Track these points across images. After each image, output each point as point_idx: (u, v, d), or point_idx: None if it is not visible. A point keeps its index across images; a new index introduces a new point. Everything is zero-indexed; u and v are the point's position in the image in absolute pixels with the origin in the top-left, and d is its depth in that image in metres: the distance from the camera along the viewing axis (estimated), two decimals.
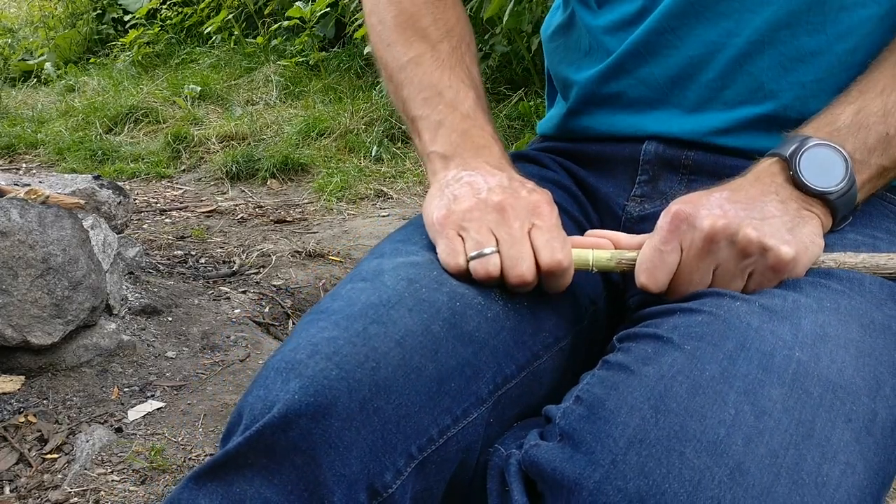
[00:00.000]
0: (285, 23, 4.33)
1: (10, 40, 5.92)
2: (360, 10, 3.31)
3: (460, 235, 0.63)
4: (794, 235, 0.60)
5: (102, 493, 1.24)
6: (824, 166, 0.61)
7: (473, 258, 0.61)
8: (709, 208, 0.60)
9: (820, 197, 0.62)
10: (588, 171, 0.80)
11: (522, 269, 0.61)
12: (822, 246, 0.62)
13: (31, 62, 5.59)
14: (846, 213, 0.64)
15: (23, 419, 1.40)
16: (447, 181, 0.68)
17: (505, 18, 2.99)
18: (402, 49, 0.78)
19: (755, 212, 0.60)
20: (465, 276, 0.62)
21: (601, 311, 0.73)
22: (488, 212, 0.63)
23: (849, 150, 0.62)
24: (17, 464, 1.31)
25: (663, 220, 0.61)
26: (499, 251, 0.61)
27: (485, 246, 0.61)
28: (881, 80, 0.65)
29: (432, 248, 0.66)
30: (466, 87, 0.75)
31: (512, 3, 2.95)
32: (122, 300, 1.76)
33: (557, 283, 0.63)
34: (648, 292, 0.62)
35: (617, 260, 0.63)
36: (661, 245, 0.61)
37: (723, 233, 0.59)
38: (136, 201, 2.88)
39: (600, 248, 0.64)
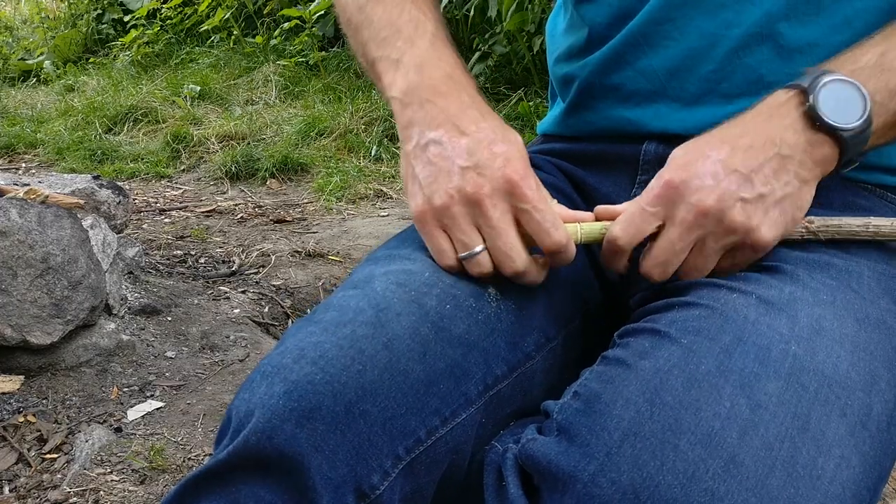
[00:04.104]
0: (286, 24, 4.34)
1: (9, 39, 5.93)
2: None
3: (445, 231, 0.63)
4: (782, 211, 0.60)
5: (102, 492, 1.24)
6: (842, 103, 0.59)
7: (464, 258, 0.62)
8: (701, 178, 0.59)
9: (832, 133, 0.59)
10: (587, 171, 0.80)
11: (516, 265, 0.61)
12: (804, 212, 0.62)
13: (30, 62, 5.59)
14: (852, 157, 0.62)
15: (22, 419, 1.40)
16: (413, 151, 0.65)
17: (508, 17, 2.98)
18: None
19: (747, 185, 0.59)
20: (459, 271, 0.63)
21: (593, 311, 0.73)
22: (465, 205, 0.61)
23: (870, 90, 0.60)
24: (16, 463, 1.31)
25: (655, 184, 0.61)
26: (486, 247, 0.61)
27: (472, 246, 0.61)
28: None
29: (425, 250, 0.66)
30: (426, 19, 0.71)
31: (515, 3, 2.95)
32: (122, 300, 1.76)
33: (561, 259, 0.63)
34: (617, 246, 0.62)
35: (601, 231, 0.64)
36: (646, 205, 0.61)
37: (712, 211, 0.59)
38: (136, 201, 2.88)
39: (586, 220, 0.64)
